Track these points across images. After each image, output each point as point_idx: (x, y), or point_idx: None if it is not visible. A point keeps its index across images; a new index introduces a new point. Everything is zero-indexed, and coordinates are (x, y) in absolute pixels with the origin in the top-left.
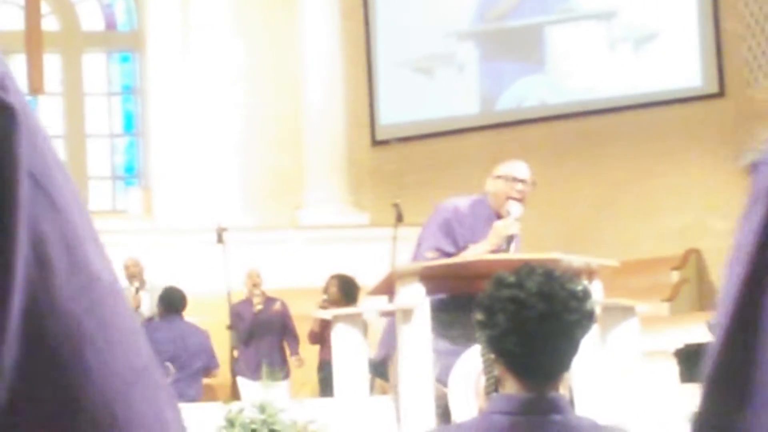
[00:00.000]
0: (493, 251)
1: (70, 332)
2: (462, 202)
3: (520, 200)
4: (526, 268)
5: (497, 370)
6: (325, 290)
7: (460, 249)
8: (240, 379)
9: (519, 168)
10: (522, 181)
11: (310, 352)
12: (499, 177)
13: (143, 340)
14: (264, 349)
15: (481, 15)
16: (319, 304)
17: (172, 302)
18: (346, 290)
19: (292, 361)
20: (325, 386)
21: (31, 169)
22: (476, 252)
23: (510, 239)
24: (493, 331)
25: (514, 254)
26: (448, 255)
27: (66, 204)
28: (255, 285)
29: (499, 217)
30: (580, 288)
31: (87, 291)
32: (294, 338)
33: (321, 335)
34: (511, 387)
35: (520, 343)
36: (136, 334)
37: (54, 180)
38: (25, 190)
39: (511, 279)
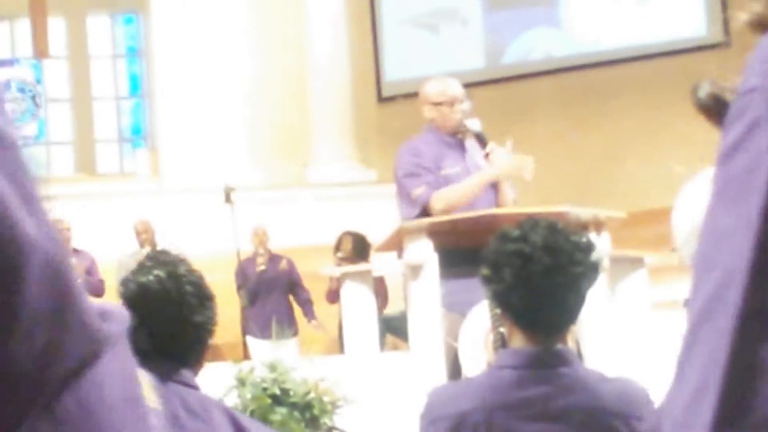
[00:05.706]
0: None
1: None
2: (413, 142)
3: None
4: (530, 222)
5: (504, 325)
6: (338, 247)
7: (439, 171)
8: (249, 338)
9: (453, 85)
10: (462, 99)
11: (326, 311)
12: (437, 103)
13: None
14: (270, 307)
15: None
16: (334, 262)
17: None
18: (359, 247)
19: (311, 324)
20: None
21: None
22: (479, 181)
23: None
24: (498, 286)
25: (521, 207)
26: (435, 181)
27: None
28: (261, 243)
29: (454, 136)
30: (584, 240)
31: None
32: (308, 302)
33: (339, 293)
34: (518, 341)
35: (526, 297)
36: None
37: None
38: None
39: (516, 233)
